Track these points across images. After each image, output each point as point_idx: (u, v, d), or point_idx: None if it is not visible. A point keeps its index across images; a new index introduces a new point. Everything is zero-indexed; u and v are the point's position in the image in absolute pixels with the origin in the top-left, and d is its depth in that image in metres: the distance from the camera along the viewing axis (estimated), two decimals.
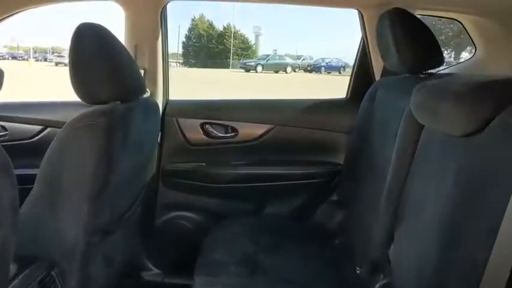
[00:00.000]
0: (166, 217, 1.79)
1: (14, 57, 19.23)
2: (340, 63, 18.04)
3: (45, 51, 20.04)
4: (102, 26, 1.10)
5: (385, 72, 1.68)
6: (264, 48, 21.40)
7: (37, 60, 18.87)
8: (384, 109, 1.33)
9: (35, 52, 20.01)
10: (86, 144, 1.01)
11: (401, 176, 1.05)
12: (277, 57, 18.54)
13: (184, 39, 21.51)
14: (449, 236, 0.80)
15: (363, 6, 1.71)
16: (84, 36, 1.05)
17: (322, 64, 18.19)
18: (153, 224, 1.78)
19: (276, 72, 17.09)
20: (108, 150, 1.02)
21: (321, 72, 17.72)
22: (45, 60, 18.73)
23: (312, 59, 19.15)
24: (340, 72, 17.46)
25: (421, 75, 1.26)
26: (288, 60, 18.22)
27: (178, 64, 20.07)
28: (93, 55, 1.05)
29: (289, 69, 17.50)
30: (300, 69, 18.16)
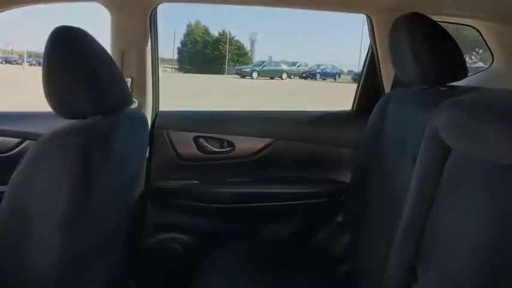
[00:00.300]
0: (155, 239, 1.68)
1: (8, 61, 19.35)
2: (335, 70, 18.39)
3: (39, 56, 20.02)
4: (82, 30, 0.98)
5: (395, 83, 1.58)
6: (259, 55, 21.71)
7: (31, 65, 18.87)
8: (398, 125, 1.21)
9: (29, 56, 20.00)
10: (57, 167, 0.87)
11: (423, 204, 0.92)
12: (272, 63, 18.95)
13: (179, 45, 21.73)
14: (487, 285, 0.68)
15: (372, 11, 1.61)
16: (60, 40, 0.93)
17: (318, 71, 18.59)
18: (140, 246, 1.66)
19: (272, 78, 17.34)
20: (84, 174, 0.89)
21: (316, 79, 18.01)
22: (39, 64, 18.59)
23: (307, 65, 19.49)
24: (335, 79, 17.77)
25: (441, 88, 1.13)
26: (284, 66, 18.54)
27: (173, 70, 20.23)
28: (70, 62, 0.93)
29: (284, 75, 17.80)
30: (295, 75, 18.45)
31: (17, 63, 19.01)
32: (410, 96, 1.23)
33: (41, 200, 0.89)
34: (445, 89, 1.13)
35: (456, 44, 1.11)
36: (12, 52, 20.56)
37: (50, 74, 0.93)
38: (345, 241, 1.61)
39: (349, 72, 18.45)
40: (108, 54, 1.06)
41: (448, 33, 1.11)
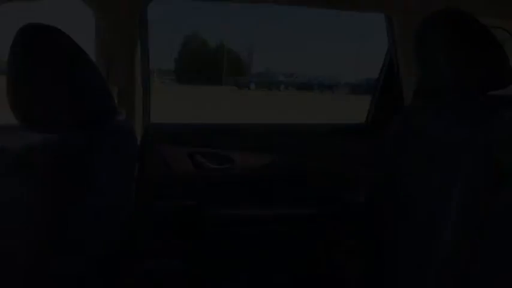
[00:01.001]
0: (147, 267, 1.58)
1: (3, 73, 19.66)
2: (332, 82, 18.90)
3: None
4: (55, 28, 0.87)
5: (418, 92, 1.48)
6: (257, 66, 22.30)
7: None
8: (425, 141, 1.08)
9: None
10: (18, 191, 0.75)
11: (469, 241, 0.79)
12: (270, 74, 19.43)
13: (177, 56, 22.20)
14: None
15: (393, 10, 1.53)
16: (27, 40, 0.83)
17: (315, 82, 19.07)
18: (131, 275, 1.54)
19: (269, 89, 17.74)
20: (52, 199, 0.76)
21: (313, 90, 18.55)
22: None
23: (305, 76, 20.05)
24: (332, 91, 18.26)
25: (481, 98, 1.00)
26: (281, 77, 19.05)
27: (170, 80, 20.65)
28: (38, 65, 0.82)
29: (281, 86, 18.28)
30: (292, 87, 18.98)
31: None
32: (443, 106, 1.11)
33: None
34: (485, 99, 1.00)
35: (500, 45, 0.97)
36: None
37: (15, 79, 0.82)
38: (357, 269, 1.50)
39: (346, 84, 18.95)
40: (88, 56, 0.95)
41: (492, 34, 0.98)
